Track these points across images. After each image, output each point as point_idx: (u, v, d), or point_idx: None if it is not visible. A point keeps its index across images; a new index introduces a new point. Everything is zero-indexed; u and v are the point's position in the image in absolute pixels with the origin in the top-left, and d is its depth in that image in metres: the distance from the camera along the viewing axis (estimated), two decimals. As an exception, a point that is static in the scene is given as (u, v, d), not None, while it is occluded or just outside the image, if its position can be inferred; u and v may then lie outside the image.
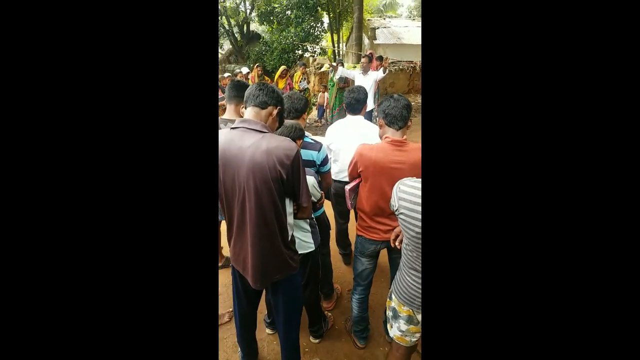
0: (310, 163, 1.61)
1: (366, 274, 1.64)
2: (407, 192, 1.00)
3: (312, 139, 1.64)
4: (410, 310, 1.16)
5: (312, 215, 1.59)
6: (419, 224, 0.96)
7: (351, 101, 1.89)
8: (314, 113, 7.29)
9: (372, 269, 1.65)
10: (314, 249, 1.56)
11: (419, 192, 0.98)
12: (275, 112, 1.15)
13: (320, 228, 1.81)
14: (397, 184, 1.06)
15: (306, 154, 1.59)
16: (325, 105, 6.74)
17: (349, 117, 1.96)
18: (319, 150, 1.59)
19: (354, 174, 1.52)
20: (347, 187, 1.52)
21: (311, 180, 1.43)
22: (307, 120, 6.91)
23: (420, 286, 1.09)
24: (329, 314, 1.99)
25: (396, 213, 1.04)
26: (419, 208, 0.96)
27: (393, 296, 1.22)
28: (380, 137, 1.45)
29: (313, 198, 1.50)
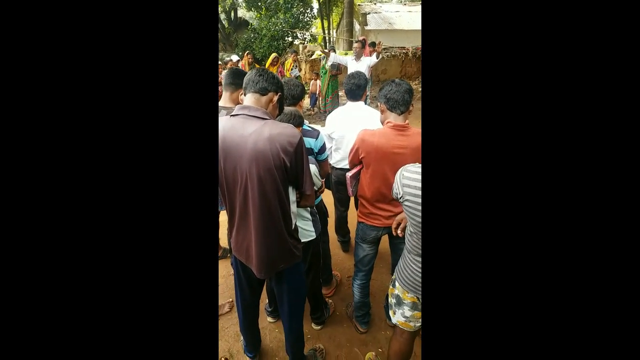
0: (308, 151, 1.58)
1: (367, 260, 1.65)
2: (411, 179, 0.99)
3: (309, 127, 1.61)
4: (415, 297, 1.16)
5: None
6: None
7: (352, 87, 1.84)
8: (307, 101, 7.20)
9: (374, 255, 1.66)
10: (315, 237, 1.56)
11: None
12: (275, 98, 1.12)
13: (319, 216, 1.81)
14: (399, 170, 1.04)
15: (304, 142, 1.56)
16: (317, 93, 6.66)
17: (349, 103, 1.92)
18: (316, 138, 1.56)
19: (355, 160, 1.50)
20: (349, 174, 1.50)
21: (313, 168, 1.41)
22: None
23: None
24: (330, 300, 2.01)
25: (400, 200, 1.03)
26: None
27: (397, 283, 1.22)
28: (382, 123, 1.43)
29: (314, 186, 1.48)
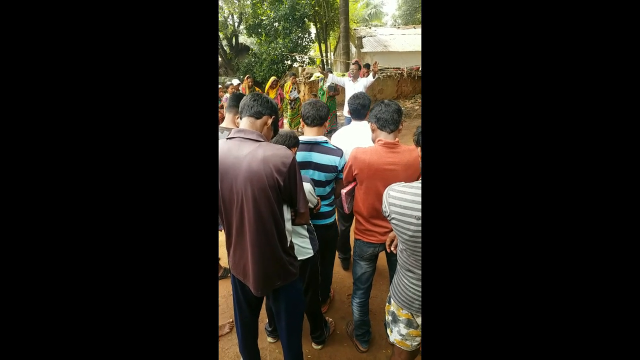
0: (333, 168, 1.62)
1: (366, 277, 1.66)
2: (396, 197, 1.02)
3: (333, 146, 1.66)
4: (409, 314, 1.17)
5: (310, 222, 1.60)
6: (411, 227, 0.99)
7: (357, 107, 1.90)
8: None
9: (372, 272, 1.66)
10: (312, 254, 1.57)
11: (407, 197, 1.00)
12: (269, 121, 1.18)
13: (330, 235, 1.81)
14: (386, 189, 1.08)
15: (329, 160, 1.61)
16: (316, 113, 6.79)
17: (353, 122, 1.98)
18: (341, 157, 1.61)
19: (349, 177, 1.55)
20: (343, 191, 1.55)
21: (307, 186, 1.45)
22: (299, 129, 6.96)
23: (417, 289, 1.10)
24: (330, 319, 1.99)
25: (388, 218, 1.06)
26: (409, 212, 0.99)
27: (392, 300, 1.22)
28: (373, 141, 1.49)
29: (310, 204, 1.52)
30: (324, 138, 1.64)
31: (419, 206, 0.97)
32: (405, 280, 1.13)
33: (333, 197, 1.76)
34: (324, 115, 1.62)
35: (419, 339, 1.21)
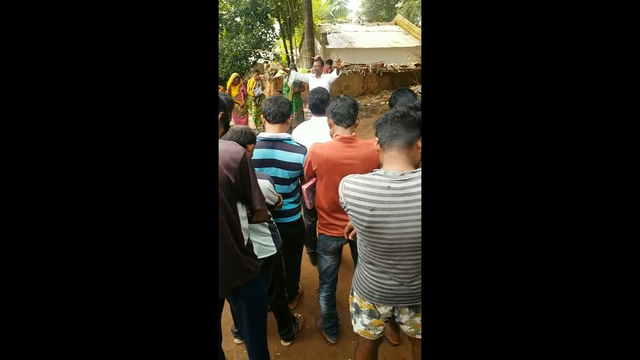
0: (297, 166, 1.61)
1: (331, 270, 1.67)
2: (351, 188, 1.03)
3: (297, 143, 1.64)
4: (371, 305, 1.19)
5: (272, 219, 1.59)
6: (365, 217, 1.00)
7: (315, 102, 1.91)
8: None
9: (337, 266, 1.68)
10: (275, 252, 1.56)
11: (361, 187, 1.01)
12: (218, 117, 1.15)
13: (296, 233, 1.81)
14: (341, 181, 1.09)
15: (294, 157, 1.59)
16: (282, 110, 6.72)
17: (313, 118, 1.98)
18: (305, 154, 1.60)
19: (310, 173, 1.55)
20: (304, 187, 1.55)
21: (266, 183, 1.43)
22: (264, 125, 6.85)
23: (378, 280, 1.12)
24: (299, 315, 2.00)
25: (345, 209, 1.08)
26: (362, 202, 1.00)
27: (355, 292, 1.24)
28: (331, 136, 1.50)
29: (270, 201, 1.50)
30: (287, 135, 1.62)
31: (373, 197, 0.99)
32: (366, 272, 1.15)
33: (298, 194, 1.75)
34: (285, 112, 1.61)
35: (381, 327, 1.25)
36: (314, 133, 1.90)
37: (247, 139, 1.41)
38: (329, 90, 4.45)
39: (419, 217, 0.96)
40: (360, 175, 1.05)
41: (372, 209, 0.98)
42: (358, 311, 1.25)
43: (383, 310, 1.18)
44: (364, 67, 9.22)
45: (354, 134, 1.45)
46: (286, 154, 1.60)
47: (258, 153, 1.59)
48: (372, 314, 1.21)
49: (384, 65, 9.41)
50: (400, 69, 9.48)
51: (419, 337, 1.22)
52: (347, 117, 1.41)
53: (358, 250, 1.19)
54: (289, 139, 1.62)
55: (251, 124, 6.35)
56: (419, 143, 1.03)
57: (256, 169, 1.57)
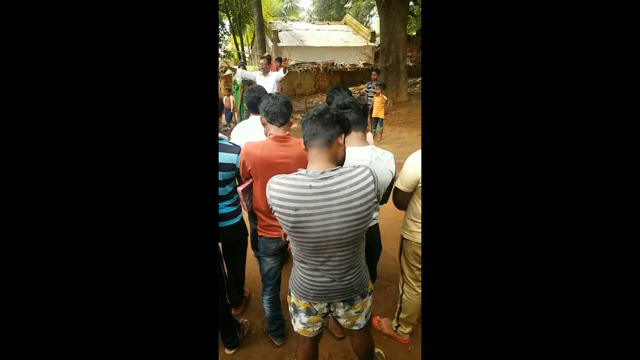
0: (230, 166, 1.54)
1: (273, 272, 1.64)
2: (275, 189, 1.02)
3: (230, 142, 1.57)
4: (307, 303, 1.19)
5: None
6: (290, 218, 0.99)
7: (252, 100, 1.87)
8: (222, 117, 6.99)
9: (278, 267, 1.66)
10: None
11: (285, 188, 1.00)
12: None
13: (237, 237, 1.75)
14: (268, 182, 1.07)
15: (225, 158, 1.52)
16: (232, 108, 6.52)
17: (252, 117, 1.93)
18: (238, 153, 1.53)
19: (245, 174, 1.50)
20: (239, 189, 1.49)
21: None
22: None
23: (311, 279, 1.11)
24: (245, 320, 1.94)
25: (272, 211, 1.05)
26: (286, 203, 0.99)
27: (291, 292, 1.24)
28: (266, 135, 1.46)
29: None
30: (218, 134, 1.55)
31: (296, 197, 0.98)
32: (299, 272, 1.15)
33: (236, 196, 1.69)
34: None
35: (319, 324, 1.26)
36: (253, 132, 1.86)
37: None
38: (278, 89, 4.42)
39: (342, 214, 0.97)
40: (285, 175, 1.04)
41: (295, 209, 0.97)
42: (296, 310, 1.24)
43: (319, 306, 1.19)
44: (315, 66, 9.28)
45: (288, 132, 1.43)
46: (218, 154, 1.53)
47: None
48: (309, 311, 1.22)
49: (335, 64, 9.57)
50: (350, 68, 9.72)
51: (356, 328, 1.25)
52: (280, 116, 1.39)
53: (292, 250, 1.18)
54: (221, 139, 1.55)
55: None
56: (340, 140, 1.04)
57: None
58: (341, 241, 1.01)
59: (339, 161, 1.06)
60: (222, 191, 1.61)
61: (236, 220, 1.71)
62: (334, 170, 0.99)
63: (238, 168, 1.56)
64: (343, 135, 1.05)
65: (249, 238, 1.93)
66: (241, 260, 1.91)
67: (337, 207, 0.97)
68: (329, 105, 1.18)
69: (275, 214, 1.03)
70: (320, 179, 0.98)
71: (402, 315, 1.72)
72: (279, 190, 1.00)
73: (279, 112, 1.38)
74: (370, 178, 1.00)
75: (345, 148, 1.09)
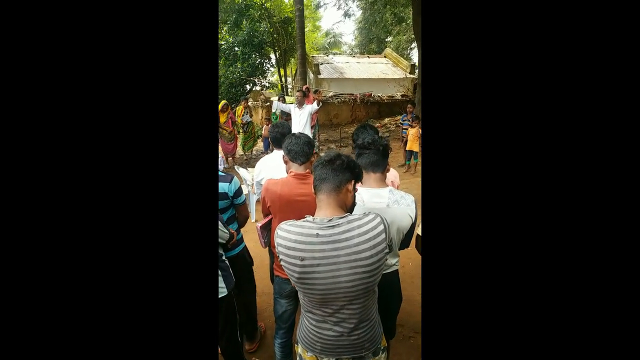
0: (223, 195, 1.57)
1: (287, 315, 1.57)
2: (282, 237, 0.97)
3: (222, 171, 1.62)
4: (314, 356, 1.10)
5: (223, 258, 1.51)
6: (297, 268, 0.93)
7: (277, 135, 1.92)
8: (260, 145, 7.30)
9: (293, 310, 1.58)
10: (226, 293, 1.47)
11: (292, 236, 0.95)
12: None
13: (239, 266, 1.73)
14: (276, 228, 1.04)
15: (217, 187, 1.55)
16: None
17: (275, 151, 1.97)
18: (230, 182, 1.58)
19: (265, 210, 1.49)
20: (258, 225, 1.48)
21: (215, 220, 1.37)
22: (254, 152, 6.88)
23: (318, 330, 1.04)
24: (255, 359, 1.85)
25: (279, 260, 1.01)
26: (292, 252, 0.94)
27: (299, 342, 1.16)
28: (287, 173, 1.46)
29: (220, 239, 1.43)
30: None
31: (302, 246, 0.93)
32: (306, 322, 1.08)
33: (236, 224, 1.70)
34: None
35: None
36: (276, 167, 1.88)
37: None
38: (313, 121, 4.54)
39: (350, 265, 0.91)
40: (293, 222, 1.00)
41: (302, 259, 0.92)
42: None
43: None
44: (353, 97, 9.47)
45: (308, 170, 1.42)
46: None
47: None
48: None
49: (372, 96, 9.69)
50: (387, 99, 9.77)
51: None
52: (302, 155, 1.39)
53: (300, 298, 1.11)
54: None
55: (239, 150, 6.38)
56: (350, 186, 0.99)
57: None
58: (350, 294, 0.94)
59: (349, 208, 1.01)
60: None
61: (237, 251, 1.71)
62: (342, 217, 0.94)
63: (231, 196, 1.60)
64: (353, 182, 1.01)
65: (256, 269, 1.91)
66: (250, 290, 1.87)
67: (345, 258, 0.91)
68: (355, 142, 1.15)
69: (282, 262, 0.98)
70: (328, 226, 0.93)
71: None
72: (286, 238, 0.96)
73: (300, 151, 1.39)
74: (381, 227, 0.93)
75: (355, 195, 1.04)
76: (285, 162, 1.46)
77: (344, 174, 0.97)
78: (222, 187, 1.56)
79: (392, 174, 1.57)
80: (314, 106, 4.30)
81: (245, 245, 1.76)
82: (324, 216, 0.95)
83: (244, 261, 1.75)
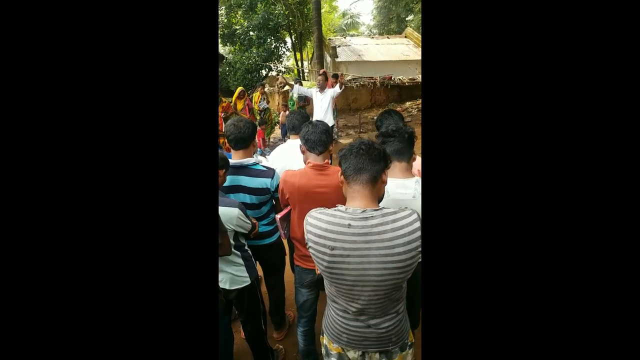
0: (265, 191, 1.57)
1: (308, 305, 1.57)
2: (312, 224, 0.95)
3: (264, 166, 1.60)
4: (340, 348, 1.09)
5: (246, 248, 1.51)
6: (326, 257, 0.92)
7: (294, 122, 1.88)
8: (278, 132, 7.28)
9: (314, 299, 1.58)
10: (249, 282, 1.48)
11: (322, 224, 0.93)
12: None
13: (274, 255, 1.75)
14: (306, 215, 1.01)
15: (260, 183, 1.55)
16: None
17: (289, 141, 1.94)
18: (272, 177, 1.56)
19: (284, 201, 1.47)
20: (278, 216, 1.47)
21: (235, 212, 1.36)
22: (272, 139, 6.88)
23: (343, 320, 1.02)
24: (280, 346, 1.89)
25: (307, 247, 0.99)
26: (322, 241, 0.92)
27: (324, 333, 1.15)
28: (305, 163, 1.42)
29: (242, 229, 1.43)
30: (251, 160, 1.57)
31: (333, 235, 0.90)
32: (332, 312, 1.06)
33: (273, 215, 1.69)
34: (247, 137, 1.54)
35: None
36: (292, 156, 1.84)
37: (220, 165, 1.35)
38: (333, 105, 4.43)
39: (381, 259, 0.87)
40: (324, 210, 0.97)
41: (332, 248, 0.90)
42: (328, 353, 1.15)
43: (352, 354, 1.08)
44: (372, 80, 9.18)
45: (327, 160, 1.37)
46: (252, 179, 1.55)
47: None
48: (341, 357, 1.11)
49: (392, 78, 9.35)
50: (408, 82, 9.39)
51: None
52: (319, 144, 1.34)
53: (325, 288, 1.10)
54: (254, 164, 1.57)
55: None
56: (385, 177, 0.95)
57: (229, 195, 1.52)
58: (379, 287, 0.91)
59: (380, 199, 0.97)
60: (258, 212, 1.63)
61: (272, 239, 1.70)
62: (376, 210, 0.90)
63: (273, 191, 1.56)
64: (387, 172, 0.96)
65: (287, 258, 1.91)
66: (279, 280, 1.88)
67: (377, 252, 0.87)
68: (379, 129, 1.08)
69: (310, 250, 0.96)
70: (361, 218, 0.89)
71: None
72: (316, 225, 0.94)
73: (318, 140, 1.34)
74: (417, 224, 0.89)
75: (385, 186, 1.00)
76: (303, 152, 1.41)
77: (379, 164, 0.93)
78: (265, 182, 1.54)
79: (419, 163, 1.49)
80: (336, 89, 4.18)
81: (280, 237, 1.76)
82: (357, 207, 0.91)
83: (276, 251, 1.76)
